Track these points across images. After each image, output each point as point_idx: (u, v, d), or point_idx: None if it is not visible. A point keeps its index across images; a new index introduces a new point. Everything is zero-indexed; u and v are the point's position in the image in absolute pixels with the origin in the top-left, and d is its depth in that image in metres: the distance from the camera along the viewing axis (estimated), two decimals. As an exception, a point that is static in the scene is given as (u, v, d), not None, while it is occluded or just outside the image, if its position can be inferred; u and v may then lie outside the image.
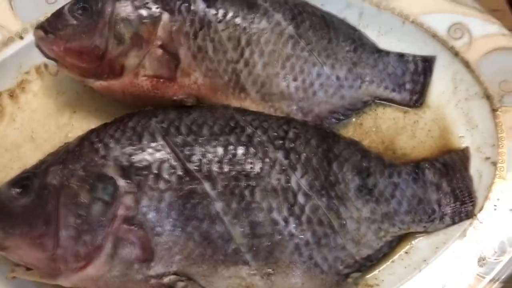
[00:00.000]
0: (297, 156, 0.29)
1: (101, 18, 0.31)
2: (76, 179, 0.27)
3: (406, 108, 0.34)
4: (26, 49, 0.34)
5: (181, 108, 0.31)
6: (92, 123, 0.33)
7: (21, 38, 0.34)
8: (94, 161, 0.28)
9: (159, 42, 0.31)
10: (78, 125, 0.33)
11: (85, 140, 0.29)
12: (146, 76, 0.31)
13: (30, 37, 0.34)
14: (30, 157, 0.33)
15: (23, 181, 0.27)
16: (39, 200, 0.27)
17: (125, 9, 0.31)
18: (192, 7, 0.31)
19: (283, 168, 0.29)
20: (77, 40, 0.31)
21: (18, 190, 0.27)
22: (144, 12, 0.31)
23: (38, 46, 0.32)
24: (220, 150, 0.29)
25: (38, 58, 0.34)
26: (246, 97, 0.32)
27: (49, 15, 0.33)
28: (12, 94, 0.34)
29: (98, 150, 0.28)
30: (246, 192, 0.28)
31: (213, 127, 0.30)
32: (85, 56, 0.31)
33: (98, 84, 0.32)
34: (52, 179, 0.27)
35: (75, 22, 0.31)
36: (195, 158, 0.28)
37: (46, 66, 0.35)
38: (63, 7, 0.32)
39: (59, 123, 0.34)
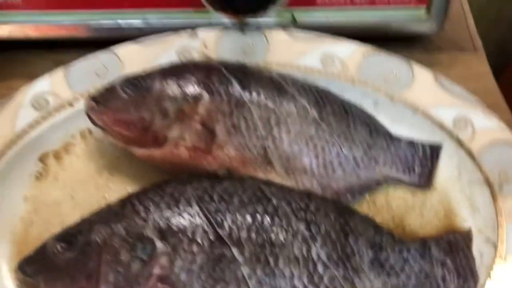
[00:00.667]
0: (317, 228, 0.32)
1: (149, 94, 0.35)
2: (118, 238, 0.30)
3: (415, 189, 0.37)
4: (74, 115, 0.38)
5: (213, 177, 0.34)
6: (128, 186, 0.37)
7: (71, 105, 0.38)
8: (135, 222, 0.30)
9: (199, 118, 0.35)
10: (114, 187, 0.36)
11: (127, 202, 0.32)
12: (185, 147, 0.34)
13: (78, 105, 0.38)
14: (69, 214, 0.35)
15: (68, 236, 0.30)
16: (82, 256, 0.29)
17: (171, 88, 0.35)
18: (229, 90, 0.36)
19: (305, 238, 0.32)
20: (126, 112, 0.35)
21: (63, 245, 0.30)
22: (187, 91, 0.35)
23: (88, 114, 0.36)
24: (248, 219, 0.32)
25: (84, 124, 0.38)
26: (271, 170, 0.36)
27: (97, 87, 0.38)
28: (57, 155, 0.37)
29: (139, 212, 0.31)
30: (271, 259, 0.31)
31: (242, 197, 0.33)
32: (132, 127, 0.34)
33: (140, 151, 0.35)
34: (96, 237, 0.30)
35: (125, 96, 0.35)
36: (226, 224, 0.31)
37: (90, 131, 0.38)
38: (114, 82, 0.36)
39: (97, 184, 0.37)
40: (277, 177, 0.36)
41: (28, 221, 0.35)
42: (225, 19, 0.41)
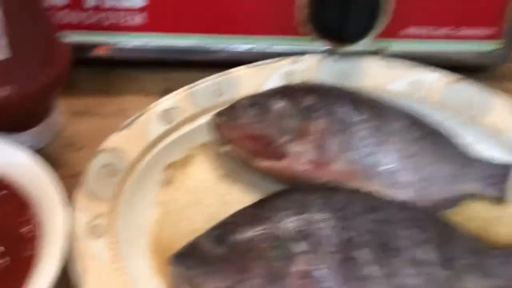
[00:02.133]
0: (425, 235, 0.36)
1: (272, 113, 0.40)
2: (262, 238, 0.34)
3: (496, 202, 0.42)
4: (197, 129, 0.42)
5: (328, 188, 0.39)
6: (246, 194, 0.41)
7: (194, 120, 0.42)
8: (273, 225, 0.35)
9: (314, 136, 0.39)
10: (235, 195, 0.41)
11: (261, 207, 0.36)
12: (302, 161, 0.39)
13: (200, 120, 0.43)
14: (196, 218, 0.39)
15: (218, 236, 0.34)
16: (232, 253, 0.34)
17: (290, 108, 0.40)
18: (339, 110, 0.40)
19: (418, 243, 0.36)
20: (253, 129, 0.39)
21: (214, 243, 0.34)
22: (304, 111, 0.40)
23: (214, 129, 0.41)
24: (368, 225, 0.36)
25: (204, 138, 0.42)
26: (375, 184, 0.40)
27: (217, 104, 0.42)
28: (181, 165, 0.42)
29: (275, 216, 0.35)
30: (391, 260, 0.35)
31: (358, 206, 0.37)
32: (257, 142, 0.39)
33: (263, 163, 0.40)
34: (242, 236, 0.34)
35: (251, 114, 0.40)
36: (350, 229, 0.35)
37: (208, 144, 0.43)
38: (240, 101, 0.41)
39: (219, 191, 0.41)
40: (379, 189, 0.40)
41: (160, 223, 0.39)
42: (326, 46, 0.46)
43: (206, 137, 0.42)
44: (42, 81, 0.36)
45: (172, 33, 0.44)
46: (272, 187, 0.41)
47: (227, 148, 0.40)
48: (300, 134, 0.39)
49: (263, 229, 0.35)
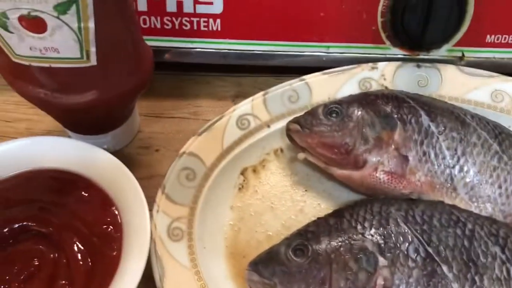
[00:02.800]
0: (510, 252, 0.35)
1: (351, 121, 0.39)
2: (344, 250, 0.34)
3: None
4: (270, 135, 0.42)
5: (408, 200, 0.38)
6: (320, 201, 0.41)
7: (268, 126, 0.42)
8: (355, 237, 0.34)
9: (394, 146, 0.39)
10: (309, 202, 0.40)
11: (342, 218, 0.36)
12: (383, 171, 0.38)
13: (274, 126, 0.42)
14: (271, 223, 0.40)
15: (300, 246, 0.34)
16: (314, 264, 0.34)
17: (370, 116, 0.39)
18: (419, 120, 0.39)
19: (503, 261, 0.35)
20: (330, 137, 0.39)
21: (296, 252, 0.34)
22: (384, 120, 0.39)
23: (289, 136, 0.41)
24: (450, 240, 0.35)
25: (277, 143, 0.43)
26: (456, 197, 0.39)
27: (291, 111, 0.42)
28: (255, 170, 0.42)
29: (356, 227, 0.35)
30: (476, 278, 0.34)
31: (440, 219, 0.36)
32: (335, 150, 0.39)
33: (340, 172, 0.39)
34: (324, 247, 0.34)
35: (328, 122, 0.39)
36: (433, 243, 0.35)
37: (282, 150, 0.43)
38: (317, 108, 0.40)
39: (293, 198, 0.41)
40: (460, 203, 0.39)
41: (236, 228, 0.39)
42: (403, 53, 0.45)
43: (280, 143, 0.43)
44: (127, 87, 0.37)
45: (247, 39, 0.44)
46: (347, 196, 0.41)
47: (303, 155, 0.40)
48: (379, 144, 0.38)
49: (344, 241, 0.34)
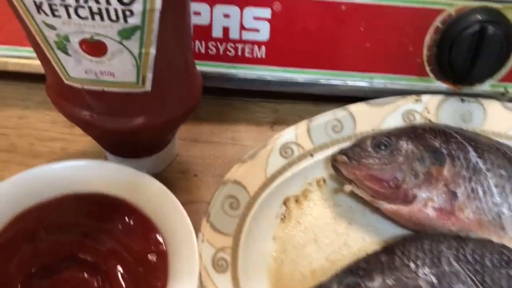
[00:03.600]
0: None
1: (400, 154, 0.39)
2: (398, 287, 0.33)
3: None
4: (313, 165, 0.42)
5: (457, 237, 0.37)
6: (365, 235, 0.40)
7: (311, 155, 0.42)
8: (408, 275, 0.34)
9: (443, 181, 0.38)
10: (353, 235, 0.40)
11: (392, 254, 0.35)
12: (433, 207, 0.38)
13: (318, 155, 0.42)
14: (315, 256, 0.39)
15: (353, 284, 0.33)
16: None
17: (419, 150, 0.39)
18: (467, 156, 0.39)
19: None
20: (379, 170, 0.38)
21: (350, 288, 0.33)
22: (433, 154, 0.39)
23: (334, 167, 0.40)
24: (504, 282, 0.34)
25: (320, 173, 0.42)
26: (504, 236, 0.38)
27: (336, 139, 0.42)
28: (297, 200, 0.41)
29: (408, 265, 0.34)
30: (532, 320, 0.33)
31: (492, 259, 0.35)
32: (384, 184, 0.38)
33: (388, 206, 0.39)
34: (378, 286, 0.33)
35: (377, 154, 0.39)
36: (486, 285, 0.34)
37: (324, 180, 0.42)
38: (364, 140, 0.40)
39: (337, 231, 0.40)
40: (509, 242, 0.38)
41: (279, 260, 0.38)
42: (443, 86, 0.45)
43: (322, 173, 0.42)
44: (177, 112, 0.36)
45: (291, 67, 0.44)
46: (391, 230, 0.40)
47: (349, 187, 0.39)
48: (429, 179, 0.38)
49: (398, 279, 0.34)
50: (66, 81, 0.33)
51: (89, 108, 0.36)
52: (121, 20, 0.29)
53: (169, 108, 0.36)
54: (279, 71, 0.44)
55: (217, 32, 0.43)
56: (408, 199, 0.38)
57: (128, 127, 0.36)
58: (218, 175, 0.43)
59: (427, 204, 0.38)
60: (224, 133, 0.46)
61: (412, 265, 0.34)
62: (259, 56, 0.44)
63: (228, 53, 0.44)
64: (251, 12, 0.42)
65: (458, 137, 0.40)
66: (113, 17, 0.29)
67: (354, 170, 0.39)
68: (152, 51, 0.31)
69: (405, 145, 0.39)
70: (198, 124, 0.46)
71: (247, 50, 0.44)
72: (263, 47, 0.43)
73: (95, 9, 0.28)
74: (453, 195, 0.38)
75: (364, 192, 0.39)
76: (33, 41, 0.31)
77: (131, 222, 0.36)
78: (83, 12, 0.28)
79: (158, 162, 0.43)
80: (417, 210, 0.38)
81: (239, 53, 0.44)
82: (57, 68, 0.33)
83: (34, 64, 0.45)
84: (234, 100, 0.49)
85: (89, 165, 0.38)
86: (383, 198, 0.38)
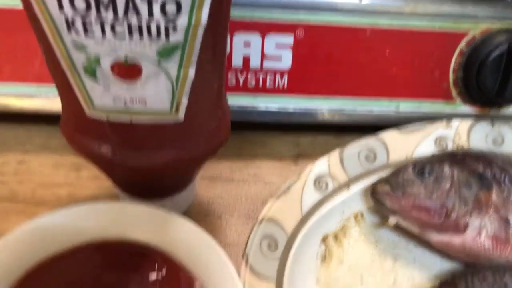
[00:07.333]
0: None
1: (446, 181, 0.36)
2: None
3: None
4: (349, 198, 0.38)
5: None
6: (414, 271, 0.36)
7: (348, 188, 0.39)
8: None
9: (493, 208, 0.36)
10: (401, 272, 0.36)
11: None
12: (486, 236, 0.35)
13: (353, 188, 0.39)
14: (364, 299, 0.35)
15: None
16: None
17: (465, 177, 0.36)
18: (509, 181, 0.37)
19: None
20: (426, 198, 0.36)
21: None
22: (480, 180, 0.36)
23: (375, 199, 0.37)
24: None
25: (357, 207, 0.39)
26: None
27: (370, 169, 0.39)
28: (336, 237, 0.38)
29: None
30: None
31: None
32: (432, 213, 0.35)
33: (438, 237, 0.36)
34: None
35: (422, 182, 0.36)
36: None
37: (362, 215, 0.39)
38: (405, 168, 0.37)
39: (383, 269, 0.36)
40: None
41: (325, 305, 0.34)
42: (470, 110, 0.43)
43: (359, 206, 0.39)
44: (207, 147, 0.33)
45: (314, 95, 0.42)
46: (439, 264, 0.37)
47: (394, 219, 0.36)
48: (478, 205, 0.35)
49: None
50: (88, 112, 0.30)
51: (110, 143, 0.32)
52: (162, 36, 0.26)
53: (200, 143, 0.33)
54: (302, 100, 0.42)
55: (237, 62, 0.40)
56: (459, 228, 0.35)
57: (153, 164, 0.32)
58: (244, 215, 0.39)
59: (481, 232, 0.35)
60: (245, 169, 0.43)
61: (482, 300, 0.31)
62: (280, 86, 0.42)
63: (248, 84, 0.41)
64: (273, 39, 0.40)
65: (498, 161, 0.38)
66: (154, 34, 0.25)
67: (399, 201, 0.36)
68: (191, 72, 0.28)
69: (449, 171, 0.37)
70: (215, 161, 0.43)
71: (268, 79, 0.41)
72: (285, 76, 0.41)
73: (134, 25, 0.25)
74: (506, 221, 0.36)
75: (411, 223, 0.36)
76: (57, 68, 0.28)
77: (165, 273, 0.31)
78: (120, 29, 0.25)
79: (178, 203, 0.38)
80: (470, 240, 0.35)
81: (260, 84, 0.41)
82: (80, 98, 0.29)
83: (36, 103, 0.41)
84: (251, 134, 0.46)
85: (105, 208, 0.33)
86: (432, 228, 0.36)
